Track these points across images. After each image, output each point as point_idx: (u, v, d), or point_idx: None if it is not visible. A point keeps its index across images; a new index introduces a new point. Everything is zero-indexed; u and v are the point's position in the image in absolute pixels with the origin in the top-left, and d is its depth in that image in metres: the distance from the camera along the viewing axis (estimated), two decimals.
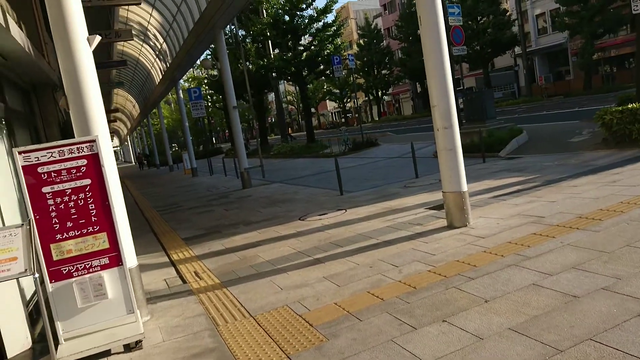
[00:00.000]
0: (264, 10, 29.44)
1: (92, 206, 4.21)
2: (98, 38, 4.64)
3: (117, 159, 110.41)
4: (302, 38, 30.35)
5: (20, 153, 3.99)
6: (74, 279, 4.16)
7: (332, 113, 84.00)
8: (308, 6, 28.13)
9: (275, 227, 8.26)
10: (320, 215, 8.67)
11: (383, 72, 58.61)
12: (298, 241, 7.02)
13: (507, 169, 10.11)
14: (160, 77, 28.02)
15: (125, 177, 35.94)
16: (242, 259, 6.59)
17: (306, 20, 28.58)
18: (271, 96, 65.17)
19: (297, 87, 35.57)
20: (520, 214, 6.29)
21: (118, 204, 4.64)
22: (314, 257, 6.03)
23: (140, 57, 30.91)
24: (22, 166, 3.99)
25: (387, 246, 5.91)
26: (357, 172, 14.55)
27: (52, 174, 4.08)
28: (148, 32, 25.38)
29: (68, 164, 4.12)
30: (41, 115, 8.25)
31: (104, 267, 4.27)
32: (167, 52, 24.62)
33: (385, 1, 65.39)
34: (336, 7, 36.31)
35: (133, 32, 25.69)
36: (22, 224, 3.85)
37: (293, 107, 78.25)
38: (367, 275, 4.99)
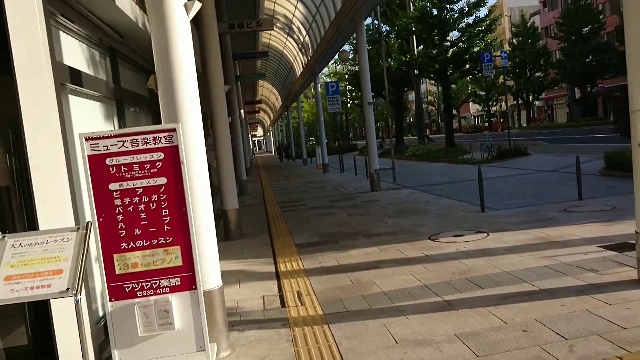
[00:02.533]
0: (411, 4, 27.95)
1: (165, 212, 3.35)
2: (198, 5, 3.78)
3: (259, 148, 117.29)
4: (450, 34, 28.33)
5: (87, 140, 3.24)
6: (137, 300, 3.34)
7: (474, 116, 79.46)
8: None
9: (400, 245, 6.99)
10: (455, 236, 7.20)
11: (537, 74, 53.52)
12: (425, 269, 5.68)
13: None
14: (301, 70, 28.05)
15: (262, 167, 37.04)
16: (354, 284, 5.45)
17: (456, 15, 26.52)
18: (412, 95, 63.28)
19: (439, 87, 33.48)
20: None
21: (201, 212, 3.75)
22: (443, 297, 4.67)
23: (284, 50, 31.38)
24: (88, 155, 3.25)
25: (548, 299, 4.34)
26: (502, 184, 12.61)
27: (122, 167, 3.29)
28: (292, 25, 25.43)
29: (142, 157, 3.30)
30: None
31: (173, 289, 3.39)
32: (309, 45, 24.41)
33: None
34: (491, 1, 33.29)
35: (278, 24, 26.02)
36: (78, 227, 3.09)
37: (433, 108, 75.39)
38: (520, 344, 3.53)
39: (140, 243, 3.33)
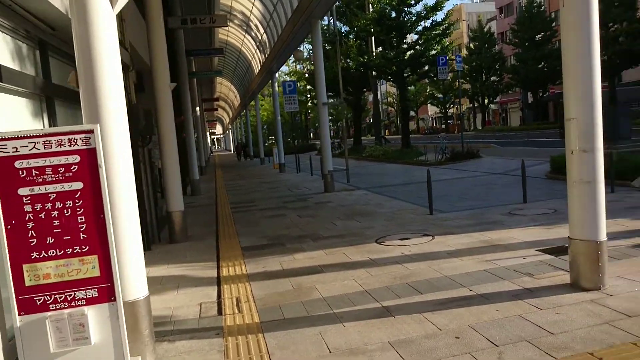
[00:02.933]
0: (370, 5, 28.10)
1: (81, 218, 3.13)
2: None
3: (218, 146, 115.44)
4: (408, 36, 28.63)
5: None
6: (49, 313, 3.12)
7: (432, 118, 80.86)
8: (417, 2, 26.35)
9: (346, 249, 6.92)
10: (401, 239, 7.20)
11: (492, 78, 54.91)
12: (368, 274, 5.62)
13: None
14: (259, 68, 27.75)
15: (219, 165, 36.49)
16: (295, 290, 5.34)
17: (414, 18, 26.82)
18: (372, 96, 63.86)
19: (397, 88, 33.80)
20: None
21: (124, 218, 3.55)
22: (382, 303, 4.62)
23: (242, 48, 30.98)
24: None
25: (484, 304, 4.35)
26: (452, 187, 12.79)
27: (33, 171, 3.05)
28: (250, 23, 25.10)
29: (55, 160, 3.08)
30: None
31: (90, 301, 3.18)
32: (267, 43, 24.16)
33: (502, 4, 61.36)
34: (448, 6, 33.93)
35: (236, 21, 25.67)
36: None
37: (392, 109, 76.26)
38: (452, 352, 3.50)
39: (54, 252, 3.11)
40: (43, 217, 3.08)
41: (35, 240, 3.08)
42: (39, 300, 3.11)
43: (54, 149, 3.06)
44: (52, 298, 3.12)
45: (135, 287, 3.64)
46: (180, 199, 8.63)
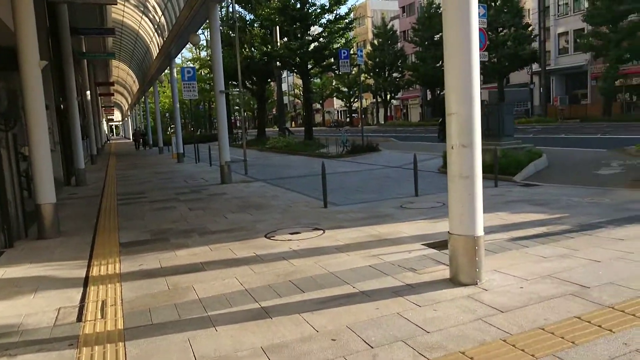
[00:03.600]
0: None
1: None
2: None
3: (116, 134, 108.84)
4: (312, 28, 28.61)
5: None
6: None
7: (338, 111, 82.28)
8: None
9: (233, 244, 6.58)
10: (292, 233, 6.99)
11: (394, 75, 56.87)
12: (252, 271, 5.33)
13: (525, 199, 8.41)
14: (157, 52, 26.33)
15: (114, 154, 34.31)
16: (171, 290, 4.91)
17: (318, 10, 26.83)
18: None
19: (301, 79, 33.78)
20: (552, 275, 4.59)
21: None
22: (261, 304, 4.34)
23: (140, 31, 29.19)
24: None
25: (364, 302, 4.23)
26: (349, 179, 12.87)
27: None
28: (147, 3, 23.67)
29: None
30: None
31: None
32: (165, 26, 22.91)
33: (404, 3, 63.62)
34: (352, 0, 34.16)
35: (132, 1, 24.07)
36: None
37: (299, 101, 76.54)
38: (326, 356, 3.30)
39: None
40: None
41: None
42: None
43: None
44: None
45: None
46: (51, 190, 7.76)
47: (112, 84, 44.05)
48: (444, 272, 4.81)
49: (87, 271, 5.78)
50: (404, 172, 13.67)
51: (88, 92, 25.99)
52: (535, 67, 42.93)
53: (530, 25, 40.92)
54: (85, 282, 5.37)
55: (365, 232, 6.77)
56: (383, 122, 60.75)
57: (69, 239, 7.58)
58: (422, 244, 5.93)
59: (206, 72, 42.87)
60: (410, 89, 58.61)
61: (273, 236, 6.90)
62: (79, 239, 7.50)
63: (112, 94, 50.68)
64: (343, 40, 27.07)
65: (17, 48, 7.36)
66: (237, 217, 8.57)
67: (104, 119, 67.63)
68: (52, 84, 14.62)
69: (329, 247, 6.11)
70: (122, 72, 48.81)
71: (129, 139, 69.68)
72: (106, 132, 70.17)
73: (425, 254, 5.52)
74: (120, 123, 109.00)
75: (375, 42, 57.67)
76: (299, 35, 27.28)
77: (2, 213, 7.06)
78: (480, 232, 4.43)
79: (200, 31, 22.36)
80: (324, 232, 6.94)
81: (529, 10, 44.54)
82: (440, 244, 5.76)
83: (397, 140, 28.24)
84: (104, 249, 6.79)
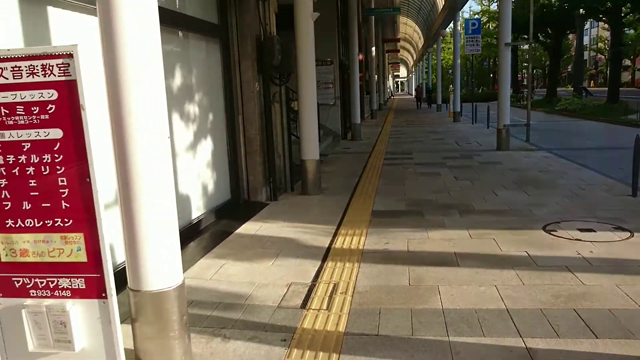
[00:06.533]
0: None
1: (62, 181, 2.23)
2: None
3: (401, 90, 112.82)
4: None
5: None
6: (27, 301, 2.33)
7: None
8: None
9: (499, 234, 5.25)
10: (582, 229, 5.25)
11: None
12: (519, 280, 3.98)
13: None
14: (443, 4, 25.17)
15: (394, 110, 35.22)
16: (411, 287, 3.98)
17: None
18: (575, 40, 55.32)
19: (610, 29, 27.87)
20: None
21: (144, 183, 2.54)
22: (526, 341, 3.03)
23: None
24: None
25: None
26: None
27: (2, 109, 2.20)
28: None
29: (27, 95, 2.17)
30: (237, 26, 6.76)
31: (76, 293, 2.32)
32: None
33: None
34: None
35: None
36: None
37: (602, 56, 65.45)
38: None
39: (31, 222, 2.28)
40: (17, 173, 2.24)
41: (9, 203, 2.27)
42: (18, 282, 2.34)
43: (24, 79, 2.14)
44: (32, 282, 2.33)
45: (162, 274, 2.69)
46: (315, 147, 7.66)
47: (399, 40, 44.98)
48: None
49: (332, 240, 5.32)
50: None
51: (373, 49, 26.70)
52: None
53: None
54: (326, 254, 4.89)
55: None
56: None
57: (327, 198, 7.40)
58: None
59: (494, 25, 39.84)
60: None
61: (554, 230, 5.29)
62: (336, 200, 7.23)
63: (398, 51, 52.06)
64: None
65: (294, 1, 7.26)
66: (509, 195, 7.09)
67: (389, 75, 70.54)
68: (337, 40, 15.05)
69: None
70: (409, 28, 49.46)
71: (412, 95, 71.14)
72: (390, 89, 73.14)
73: None
74: (405, 79, 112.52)
75: None
76: None
77: (269, 166, 7.24)
78: None
79: None
80: (632, 236, 4.98)
81: None
82: None
83: None
84: (355, 216, 6.29)
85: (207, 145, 6.21)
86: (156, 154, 2.55)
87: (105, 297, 2.29)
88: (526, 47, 21.50)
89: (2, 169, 2.23)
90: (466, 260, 4.52)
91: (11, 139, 2.20)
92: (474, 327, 3.24)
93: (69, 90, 2.12)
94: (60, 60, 2.10)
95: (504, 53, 11.70)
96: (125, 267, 2.70)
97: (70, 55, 2.09)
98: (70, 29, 3.68)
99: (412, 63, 78.02)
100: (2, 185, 2.25)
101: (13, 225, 2.27)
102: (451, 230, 5.48)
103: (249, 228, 5.89)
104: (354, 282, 4.13)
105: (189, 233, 5.44)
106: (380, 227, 5.71)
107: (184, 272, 2.89)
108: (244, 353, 3.06)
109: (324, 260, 4.72)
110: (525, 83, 43.77)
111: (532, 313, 3.40)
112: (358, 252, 4.89)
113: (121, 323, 2.41)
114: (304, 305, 3.73)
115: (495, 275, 4.11)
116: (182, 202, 5.50)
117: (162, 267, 2.66)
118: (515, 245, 4.85)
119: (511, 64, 12.29)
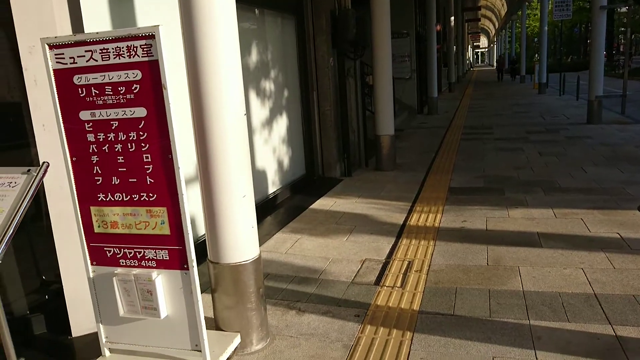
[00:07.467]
0: None
1: (147, 157, 2.34)
2: None
3: (482, 61, 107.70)
4: None
5: (50, 47, 2.32)
6: (117, 270, 2.50)
7: None
8: None
9: (588, 213, 4.93)
10: None
11: None
12: (609, 264, 3.74)
13: None
14: None
15: (474, 82, 33.83)
16: (489, 268, 3.85)
17: None
18: None
19: None
20: None
21: (222, 159, 2.62)
22: (616, 328, 2.85)
23: None
24: (54, 70, 2.35)
25: None
26: None
27: (93, 90, 2.32)
28: None
29: (114, 76, 2.28)
30: (312, 1, 6.72)
31: (160, 264, 2.46)
32: None
33: None
34: None
35: None
36: (29, 169, 2.29)
37: None
38: None
39: (119, 196, 2.42)
40: (107, 150, 2.38)
41: (100, 179, 2.42)
42: (109, 252, 2.51)
43: (112, 61, 2.25)
44: (122, 252, 2.49)
45: (240, 247, 2.78)
46: (390, 122, 7.54)
47: (479, 8, 42.79)
48: None
49: (407, 217, 5.25)
50: None
51: (452, 18, 25.65)
52: None
53: None
54: (400, 231, 4.84)
55: None
56: None
57: (402, 174, 7.29)
58: None
59: None
60: None
61: None
62: (411, 176, 7.11)
63: (479, 19, 49.55)
64: None
65: None
66: (600, 172, 6.62)
67: (468, 46, 67.52)
68: (413, 11, 14.59)
69: None
70: None
71: (493, 66, 67.73)
72: (469, 60, 69.97)
73: None
74: (486, 50, 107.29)
75: None
76: None
77: (344, 142, 7.22)
78: None
79: None
80: None
81: None
82: None
83: None
84: (432, 192, 6.16)
85: (282, 121, 6.29)
86: (233, 131, 2.62)
87: (187, 269, 2.41)
88: (624, 9, 19.72)
89: (93, 146, 2.38)
90: (550, 240, 4.29)
91: (101, 117, 2.33)
92: (557, 312, 3.09)
93: (151, 70, 2.21)
94: (143, 42, 2.18)
95: (599, 17, 10.79)
96: (205, 240, 2.82)
97: (152, 37, 2.17)
98: (150, 10, 3.82)
99: (493, 32, 74.16)
100: (94, 162, 2.41)
101: (104, 199, 2.43)
102: (534, 209, 5.22)
103: (323, 203, 5.95)
104: (429, 261, 4.06)
105: (266, 207, 5.58)
106: (457, 205, 5.56)
107: (260, 246, 2.97)
108: (318, 327, 3.12)
109: (398, 237, 4.68)
110: (621, 50, 40.32)
111: (623, 299, 3.18)
112: (434, 230, 4.80)
113: (202, 293, 2.53)
114: (378, 281, 3.73)
115: (583, 258, 3.87)
116: (259, 178, 5.64)
117: (240, 241, 2.75)
118: (606, 226, 4.54)
119: (606, 30, 11.31)
